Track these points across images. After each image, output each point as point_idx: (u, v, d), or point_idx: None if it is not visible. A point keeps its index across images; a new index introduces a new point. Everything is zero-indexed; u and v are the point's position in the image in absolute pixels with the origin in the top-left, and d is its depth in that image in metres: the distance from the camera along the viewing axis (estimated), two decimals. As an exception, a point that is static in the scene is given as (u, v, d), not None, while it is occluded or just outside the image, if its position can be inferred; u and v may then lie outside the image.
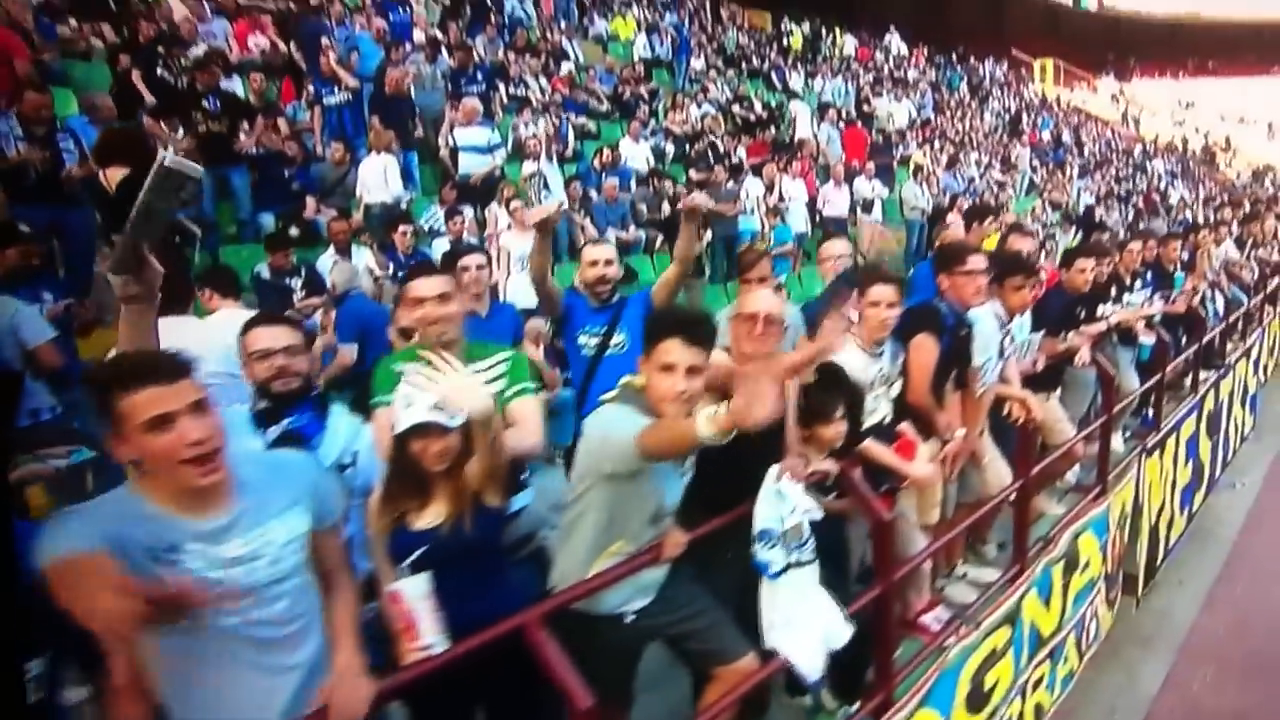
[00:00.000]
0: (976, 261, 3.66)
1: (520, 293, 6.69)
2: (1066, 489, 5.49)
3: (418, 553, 2.31)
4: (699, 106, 12.87)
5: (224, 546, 1.76)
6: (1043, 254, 6.40)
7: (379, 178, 7.64)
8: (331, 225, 6.69)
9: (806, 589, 2.84)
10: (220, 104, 7.43)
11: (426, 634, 2.09)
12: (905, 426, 3.50)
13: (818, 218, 11.01)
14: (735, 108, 13.89)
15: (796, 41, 19.52)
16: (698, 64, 15.46)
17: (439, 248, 6.92)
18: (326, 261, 6.52)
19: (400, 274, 6.73)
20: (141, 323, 2.03)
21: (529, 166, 8.88)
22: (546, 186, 8.73)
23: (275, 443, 2.49)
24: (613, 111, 11.89)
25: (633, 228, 8.97)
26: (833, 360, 3.40)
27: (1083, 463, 5.43)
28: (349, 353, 4.97)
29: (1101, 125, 29.82)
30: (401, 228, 6.73)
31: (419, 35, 11.06)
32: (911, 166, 13.63)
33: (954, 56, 26.56)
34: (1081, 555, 4.78)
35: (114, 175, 5.75)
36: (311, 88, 8.62)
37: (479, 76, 10.25)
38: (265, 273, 6.14)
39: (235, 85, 8.30)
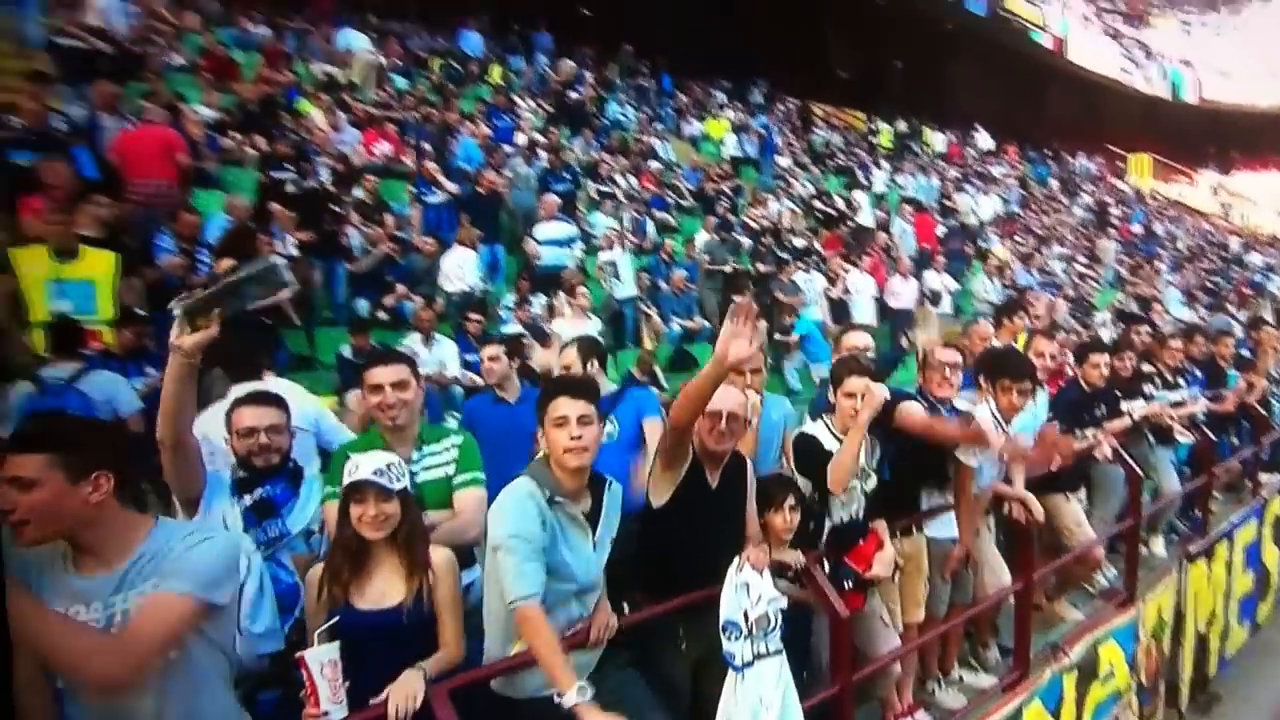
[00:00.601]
0: (942, 355, 3.54)
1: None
2: (1096, 592, 5.04)
3: (356, 632, 2.28)
4: (778, 201, 12.92)
5: (86, 608, 1.78)
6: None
7: (457, 270, 8.00)
8: (419, 314, 6.99)
9: (772, 683, 2.72)
10: (342, 206, 8.05)
11: (325, 702, 2.06)
12: (878, 524, 3.32)
13: (886, 310, 10.73)
14: (816, 203, 13.87)
15: (885, 139, 19.41)
16: (784, 161, 15.56)
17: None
18: (408, 345, 6.77)
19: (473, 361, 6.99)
20: (181, 375, 2.16)
21: (603, 256, 9.12)
22: (617, 275, 8.92)
23: (248, 510, 2.59)
24: (695, 207, 12.07)
25: (697, 317, 9.00)
26: (808, 432, 3.30)
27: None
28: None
29: (1198, 218, 28.11)
30: (472, 315, 6.99)
31: (521, 138, 11.63)
32: (988, 259, 13.13)
33: (1046, 151, 25.75)
34: (1102, 664, 4.38)
35: (224, 266, 6.30)
36: (414, 188, 9.15)
37: (568, 175, 10.62)
38: (348, 352, 6.46)
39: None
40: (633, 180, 11.70)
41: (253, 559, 2.41)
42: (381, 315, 7.28)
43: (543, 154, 10.94)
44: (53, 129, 7.35)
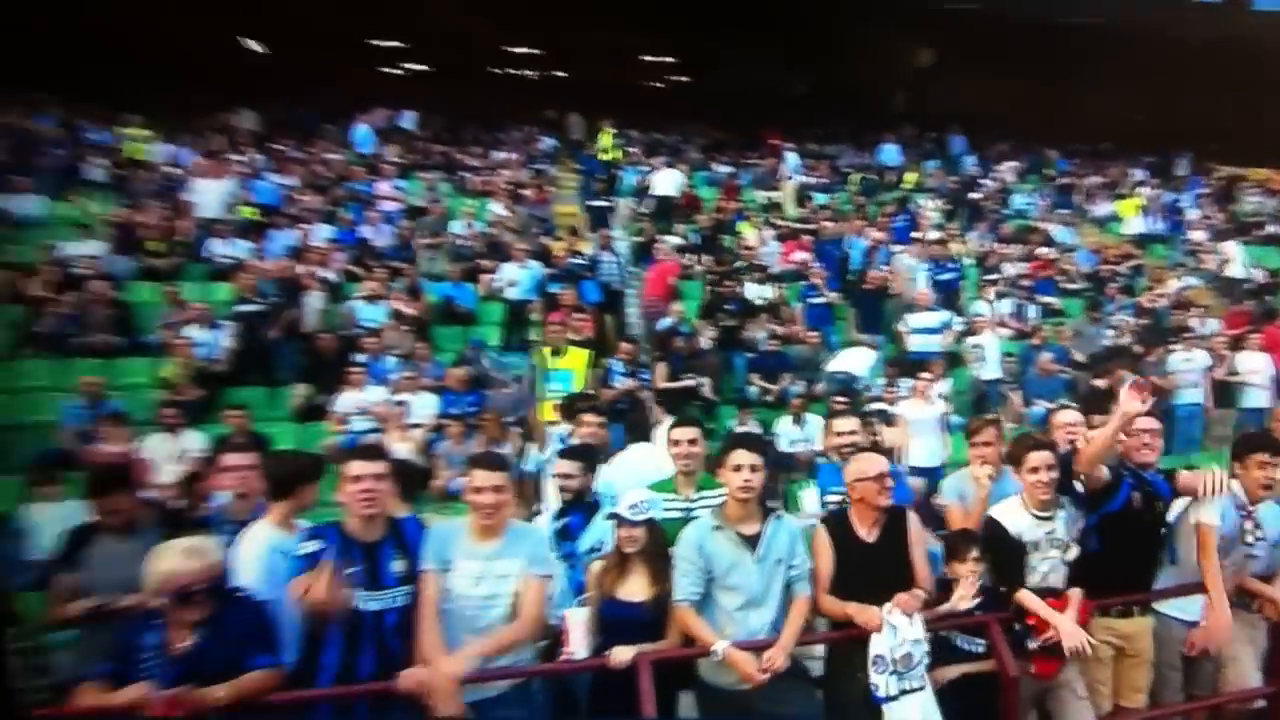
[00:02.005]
0: (1142, 422, 3.34)
1: (917, 454, 7.02)
2: None
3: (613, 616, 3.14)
4: (1179, 280, 10.85)
5: (476, 561, 2.96)
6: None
7: (850, 360, 8.45)
8: (793, 401, 7.77)
9: (916, 714, 2.97)
10: (741, 306, 9.36)
11: (573, 645, 3.02)
12: (1072, 593, 3.24)
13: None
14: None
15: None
16: (1200, 235, 12.87)
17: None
18: (783, 425, 7.60)
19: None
20: None
21: (972, 340, 8.96)
22: (983, 358, 8.70)
23: (556, 532, 3.65)
24: (1085, 288, 10.83)
25: (1062, 400, 8.21)
26: (995, 516, 3.39)
27: None
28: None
29: None
30: (839, 397, 7.56)
31: (916, 234, 11.70)
32: None
33: None
34: None
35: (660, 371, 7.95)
36: (803, 288, 10.07)
37: (953, 266, 10.48)
38: (735, 425, 7.54)
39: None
40: (1021, 266, 11.01)
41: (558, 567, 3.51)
42: (768, 398, 8.30)
43: (930, 248, 10.89)
44: (572, 265, 9.99)
